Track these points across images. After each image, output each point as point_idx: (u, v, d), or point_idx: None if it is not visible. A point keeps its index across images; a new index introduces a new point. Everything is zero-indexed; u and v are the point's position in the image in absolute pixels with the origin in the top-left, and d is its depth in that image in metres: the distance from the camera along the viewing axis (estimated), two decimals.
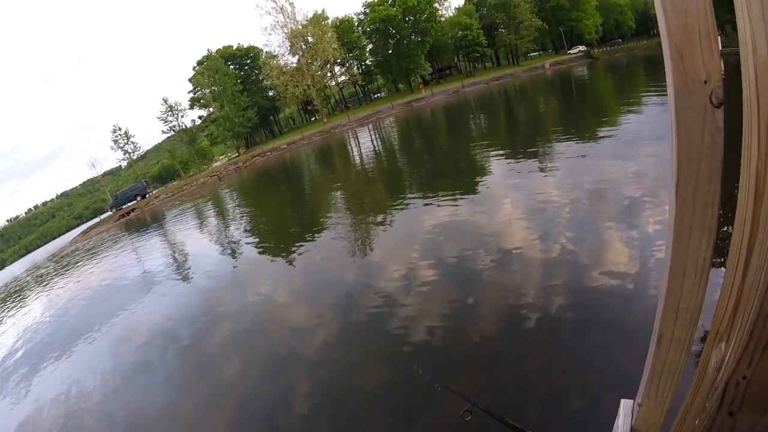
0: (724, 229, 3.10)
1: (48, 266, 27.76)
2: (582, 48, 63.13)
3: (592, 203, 6.29)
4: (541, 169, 8.90)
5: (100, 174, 68.83)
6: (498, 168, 10.21)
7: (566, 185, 7.40)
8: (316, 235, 9.39)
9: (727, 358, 0.64)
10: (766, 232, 0.53)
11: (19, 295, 19.25)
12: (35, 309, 13.72)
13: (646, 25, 77.98)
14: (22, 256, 78.23)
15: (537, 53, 77.61)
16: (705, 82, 0.60)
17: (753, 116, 0.54)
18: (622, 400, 1.32)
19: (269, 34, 72.53)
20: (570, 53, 62.41)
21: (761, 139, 0.53)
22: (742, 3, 0.50)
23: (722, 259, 0.69)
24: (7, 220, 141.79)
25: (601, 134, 10.59)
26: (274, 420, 3.80)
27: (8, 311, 15.99)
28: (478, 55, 69.41)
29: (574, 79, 34.17)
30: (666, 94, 0.67)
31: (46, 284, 18.79)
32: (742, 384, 0.63)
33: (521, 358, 3.55)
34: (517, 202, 7.23)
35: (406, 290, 5.29)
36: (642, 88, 18.85)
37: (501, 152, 12.11)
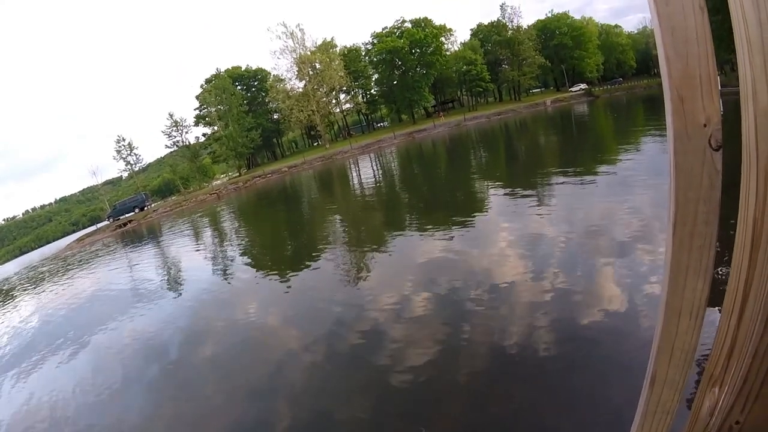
0: (721, 270, 3.11)
1: (41, 269, 27.45)
2: (583, 86, 64.49)
3: (587, 241, 6.30)
4: (538, 205, 8.94)
5: (100, 182, 68.90)
6: (495, 202, 10.26)
7: (561, 222, 7.42)
8: (311, 261, 9.31)
9: (721, 402, 0.63)
10: (762, 280, 0.53)
11: (8, 297, 18.97)
12: (21, 313, 13.49)
13: (647, 64, 79.86)
14: (16, 256, 77.35)
15: (539, 90, 79.34)
16: (704, 126, 0.62)
17: (752, 163, 0.55)
18: None
19: (278, 57, 73.97)
20: (571, 90, 63.68)
21: (759, 186, 0.54)
22: (744, 52, 0.52)
23: (720, 304, 0.69)
24: (4, 219, 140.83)
25: (599, 172, 10.71)
26: None
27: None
28: (481, 89, 70.87)
29: (575, 116, 34.76)
30: (665, 135, 0.69)
31: (36, 288, 18.52)
32: (735, 429, 0.62)
33: (520, 398, 3.49)
34: (511, 239, 7.22)
35: (399, 328, 5.17)
36: (641, 127, 19.17)
37: (499, 186, 12.21)
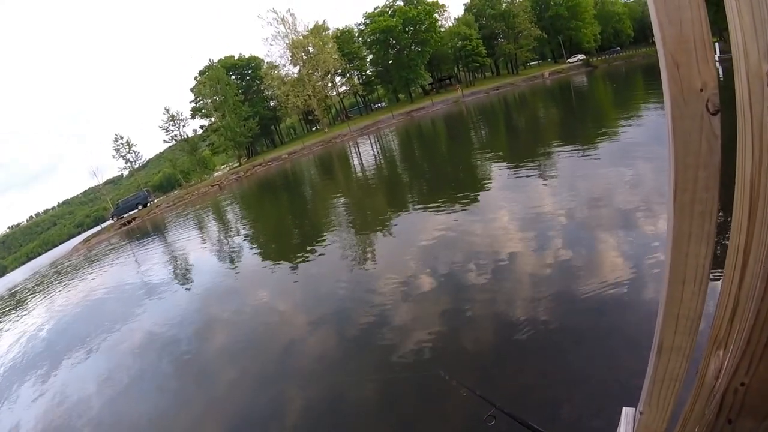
0: (726, 235, 3.10)
1: (50, 273, 27.72)
2: (581, 56, 63.49)
3: (591, 213, 6.29)
4: (541, 179, 8.90)
5: (101, 182, 68.59)
6: (498, 178, 10.22)
7: (565, 195, 7.40)
8: (318, 245, 9.36)
9: (726, 365, 0.64)
10: (761, 240, 0.53)
11: (23, 301, 19.24)
12: (38, 316, 13.69)
13: (645, 33, 78.49)
14: (23, 263, 77.72)
15: (536, 62, 78.05)
16: (701, 90, 0.61)
17: (746, 123, 0.54)
18: (624, 408, 1.31)
19: (270, 44, 73.13)
20: (569, 62, 62.79)
21: (754, 146, 0.53)
22: (734, 11, 0.51)
23: (722, 268, 0.69)
24: (9, 227, 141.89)
25: (600, 142, 10.62)
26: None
27: (13, 315, 16.00)
28: (478, 65, 69.89)
29: (574, 88, 34.33)
30: (663, 102, 0.68)
31: (48, 291, 18.75)
32: (740, 391, 0.63)
33: (528, 367, 3.53)
34: (515, 213, 7.22)
35: (410, 302, 5.28)
36: (641, 96, 18.93)
37: (500, 162, 12.14)
